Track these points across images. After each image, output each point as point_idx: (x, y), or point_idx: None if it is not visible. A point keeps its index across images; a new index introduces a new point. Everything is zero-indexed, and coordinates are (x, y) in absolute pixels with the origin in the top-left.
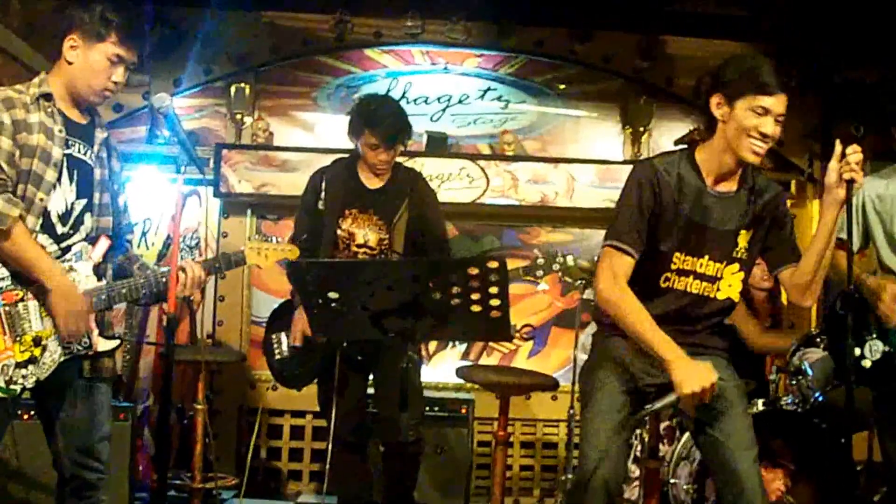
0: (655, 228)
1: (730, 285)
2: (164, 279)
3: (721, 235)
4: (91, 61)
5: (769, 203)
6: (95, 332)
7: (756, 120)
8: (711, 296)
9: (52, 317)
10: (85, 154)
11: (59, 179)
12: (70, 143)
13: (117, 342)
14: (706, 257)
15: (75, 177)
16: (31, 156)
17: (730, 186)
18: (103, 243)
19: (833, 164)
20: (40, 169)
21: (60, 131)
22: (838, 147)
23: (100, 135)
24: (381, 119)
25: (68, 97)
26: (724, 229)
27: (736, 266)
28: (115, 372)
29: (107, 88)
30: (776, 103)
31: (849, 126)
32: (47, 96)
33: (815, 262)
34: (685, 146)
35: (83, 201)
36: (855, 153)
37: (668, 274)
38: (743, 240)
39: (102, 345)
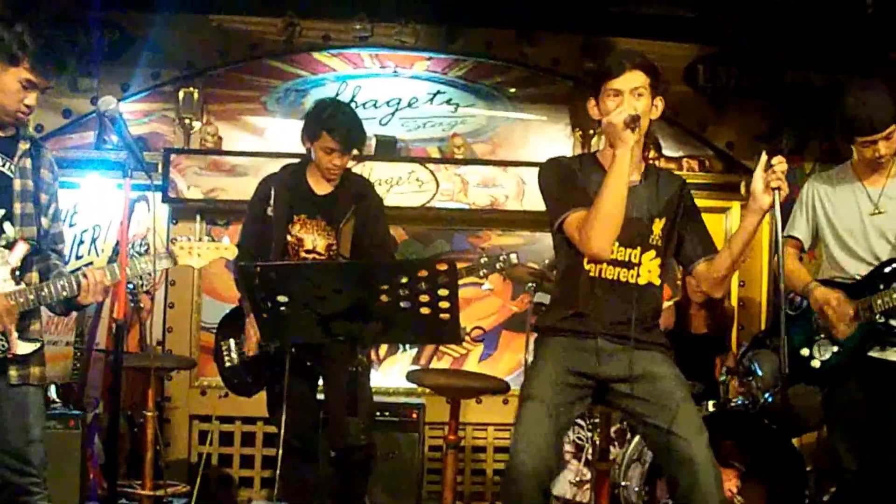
0: None
1: (649, 271)
2: (77, 284)
3: (630, 222)
4: (3, 83)
5: (676, 192)
6: (14, 335)
7: (613, 102)
8: (632, 281)
9: None
10: (3, 166)
11: None
12: None
13: (38, 345)
14: (616, 243)
15: None
16: None
17: (634, 177)
18: (21, 248)
19: (759, 173)
20: None
21: None
22: (764, 157)
23: (22, 146)
24: (340, 123)
25: None
26: (633, 216)
27: (653, 252)
28: (45, 378)
29: (19, 111)
30: (624, 81)
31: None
32: None
33: (731, 262)
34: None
35: (1, 212)
36: (780, 163)
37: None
38: (657, 227)
39: (21, 347)
